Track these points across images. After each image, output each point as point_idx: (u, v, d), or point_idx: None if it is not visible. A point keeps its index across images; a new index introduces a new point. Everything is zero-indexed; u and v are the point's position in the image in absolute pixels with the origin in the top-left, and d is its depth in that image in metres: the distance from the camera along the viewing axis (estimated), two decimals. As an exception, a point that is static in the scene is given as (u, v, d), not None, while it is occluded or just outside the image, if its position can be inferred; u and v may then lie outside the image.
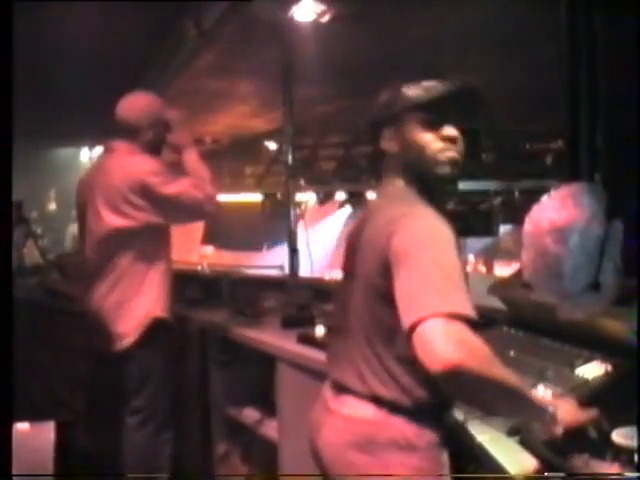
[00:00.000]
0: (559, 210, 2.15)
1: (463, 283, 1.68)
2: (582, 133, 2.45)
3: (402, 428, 1.85)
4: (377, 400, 1.87)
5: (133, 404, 3.33)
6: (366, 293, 1.88)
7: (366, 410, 1.88)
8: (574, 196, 2.15)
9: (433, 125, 1.90)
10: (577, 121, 2.46)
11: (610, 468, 1.62)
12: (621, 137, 2.31)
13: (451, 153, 1.91)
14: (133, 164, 3.25)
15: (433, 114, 1.90)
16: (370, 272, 1.84)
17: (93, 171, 3.47)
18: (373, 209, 2.02)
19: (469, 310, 1.61)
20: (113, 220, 3.21)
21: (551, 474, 1.68)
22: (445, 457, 1.90)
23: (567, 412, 1.73)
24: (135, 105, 3.38)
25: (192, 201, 3.24)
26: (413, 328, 1.59)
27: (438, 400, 1.91)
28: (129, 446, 3.35)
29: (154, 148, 3.40)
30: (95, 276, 3.31)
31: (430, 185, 1.94)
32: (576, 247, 2.08)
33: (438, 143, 1.90)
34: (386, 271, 1.76)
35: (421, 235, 1.74)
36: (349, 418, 1.92)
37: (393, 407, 1.85)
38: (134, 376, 3.29)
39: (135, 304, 3.27)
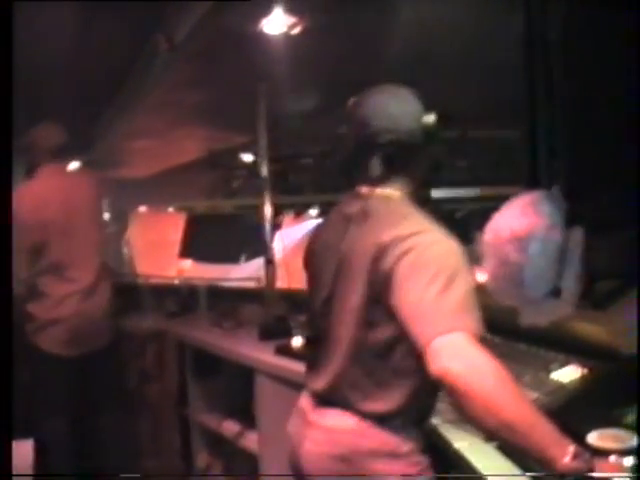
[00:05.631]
0: (519, 218, 2.14)
1: (475, 302, 1.70)
2: (540, 139, 2.45)
3: (385, 438, 1.85)
4: (361, 412, 1.86)
5: None
6: (368, 307, 1.84)
7: (348, 421, 1.88)
8: (534, 204, 2.14)
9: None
10: (535, 127, 2.46)
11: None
12: (580, 143, 2.31)
13: None
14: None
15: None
16: (374, 287, 1.81)
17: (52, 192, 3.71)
18: (359, 219, 1.94)
19: (481, 329, 1.65)
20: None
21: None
22: (428, 461, 1.90)
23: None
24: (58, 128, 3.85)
25: None
26: (430, 341, 1.60)
27: (424, 410, 1.93)
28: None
29: None
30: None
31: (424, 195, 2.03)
32: (537, 255, 2.08)
33: None
34: (393, 287, 1.74)
35: (438, 253, 1.73)
36: (330, 429, 1.91)
37: (378, 418, 1.85)
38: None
39: None
